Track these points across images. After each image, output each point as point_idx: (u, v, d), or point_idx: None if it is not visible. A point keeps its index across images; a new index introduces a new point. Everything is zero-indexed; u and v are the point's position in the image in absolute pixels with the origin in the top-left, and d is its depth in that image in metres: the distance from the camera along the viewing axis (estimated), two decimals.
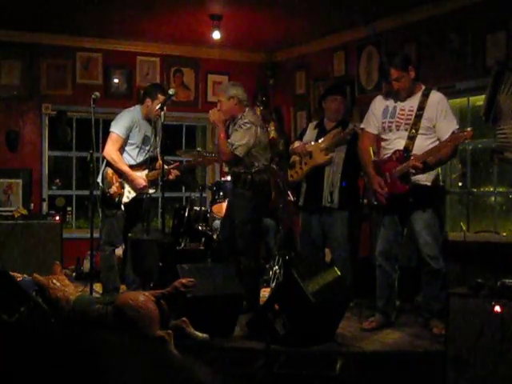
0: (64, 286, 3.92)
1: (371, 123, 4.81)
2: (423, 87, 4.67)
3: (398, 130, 4.63)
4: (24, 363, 0.83)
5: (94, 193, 5.44)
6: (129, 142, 5.53)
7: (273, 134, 8.56)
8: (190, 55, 8.30)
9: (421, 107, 4.57)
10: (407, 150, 4.55)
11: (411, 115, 4.59)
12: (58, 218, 6.88)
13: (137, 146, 5.57)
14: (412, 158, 4.49)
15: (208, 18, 6.84)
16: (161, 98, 5.51)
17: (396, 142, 4.63)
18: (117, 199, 5.50)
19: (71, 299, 3.86)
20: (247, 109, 5.29)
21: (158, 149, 5.78)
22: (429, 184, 4.59)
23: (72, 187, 8.10)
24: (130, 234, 5.91)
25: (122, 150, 5.55)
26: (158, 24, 7.19)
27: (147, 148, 5.61)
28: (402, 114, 4.63)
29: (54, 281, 3.91)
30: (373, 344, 4.39)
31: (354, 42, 7.37)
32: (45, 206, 7.66)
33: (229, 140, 5.22)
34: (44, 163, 7.73)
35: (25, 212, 6.82)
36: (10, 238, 6.50)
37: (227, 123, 5.36)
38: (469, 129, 4.41)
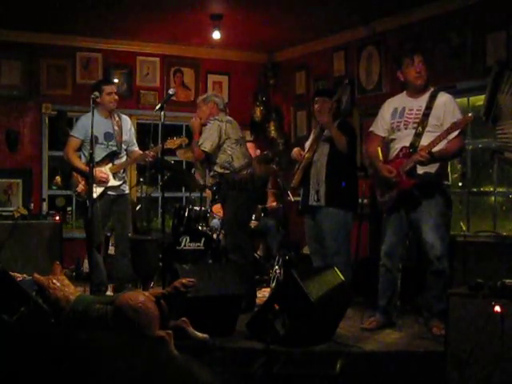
0: (64, 286, 3.92)
1: (379, 126, 4.86)
2: (432, 89, 4.70)
3: (406, 128, 4.67)
4: (24, 362, 0.83)
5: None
6: (89, 140, 5.55)
7: (273, 133, 8.56)
8: (190, 55, 8.30)
9: (428, 107, 4.61)
10: (413, 146, 4.57)
11: (419, 114, 4.63)
12: (57, 217, 6.87)
13: (99, 143, 5.67)
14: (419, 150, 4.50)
15: (208, 18, 6.85)
16: (107, 88, 5.68)
17: (404, 139, 4.65)
18: (85, 196, 5.53)
19: (71, 299, 3.85)
20: (222, 113, 5.53)
21: (135, 146, 5.96)
22: (432, 172, 4.56)
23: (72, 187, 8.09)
24: (129, 234, 5.91)
25: (85, 149, 5.72)
26: (158, 24, 7.19)
27: (111, 143, 5.76)
28: (410, 114, 4.67)
29: (54, 281, 3.90)
30: (373, 344, 4.38)
31: (354, 41, 7.38)
32: (45, 205, 7.66)
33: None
34: (44, 163, 7.73)
35: (25, 212, 6.81)
36: (10, 238, 6.49)
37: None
38: (470, 114, 4.43)
